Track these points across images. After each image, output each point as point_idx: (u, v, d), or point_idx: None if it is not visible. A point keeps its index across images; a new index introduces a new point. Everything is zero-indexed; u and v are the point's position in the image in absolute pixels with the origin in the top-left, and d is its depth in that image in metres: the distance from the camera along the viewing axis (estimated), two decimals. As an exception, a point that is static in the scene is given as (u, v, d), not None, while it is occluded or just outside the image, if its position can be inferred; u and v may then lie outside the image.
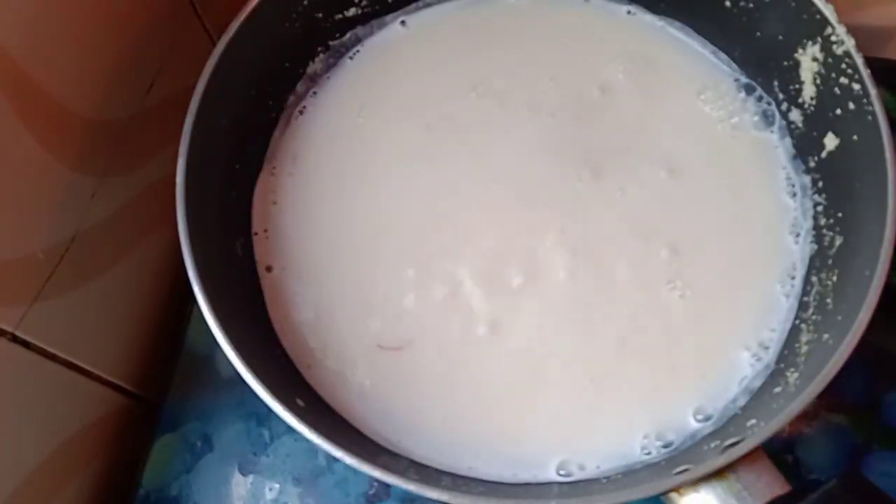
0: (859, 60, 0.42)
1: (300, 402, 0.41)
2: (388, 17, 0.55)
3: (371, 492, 0.48)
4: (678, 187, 0.48)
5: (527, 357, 0.45)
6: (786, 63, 0.48)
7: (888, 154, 0.40)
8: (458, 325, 0.45)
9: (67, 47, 0.43)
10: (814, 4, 0.44)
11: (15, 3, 0.38)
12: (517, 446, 0.43)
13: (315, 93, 0.53)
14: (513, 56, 0.53)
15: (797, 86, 0.47)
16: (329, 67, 0.54)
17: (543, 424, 0.43)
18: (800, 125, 0.48)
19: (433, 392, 0.44)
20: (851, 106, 0.43)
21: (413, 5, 0.55)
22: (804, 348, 0.42)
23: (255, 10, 0.47)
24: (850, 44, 0.43)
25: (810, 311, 0.43)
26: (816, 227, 0.46)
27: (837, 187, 0.45)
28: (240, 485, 0.49)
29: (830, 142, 0.45)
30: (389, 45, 0.55)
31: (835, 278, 0.43)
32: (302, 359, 0.46)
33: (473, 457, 0.42)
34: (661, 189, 0.48)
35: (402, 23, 0.55)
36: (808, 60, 0.46)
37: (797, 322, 0.44)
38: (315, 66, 0.54)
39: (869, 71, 0.42)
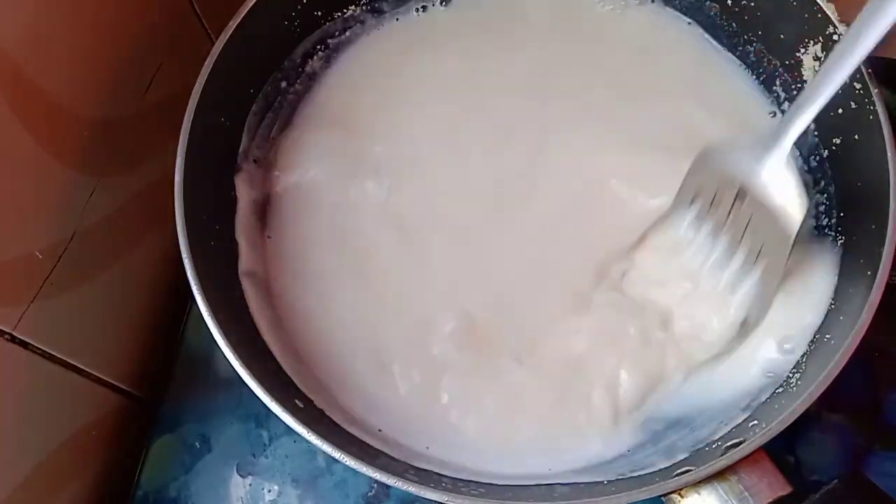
0: (861, 60, 0.42)
1: (299, 403, 0.41)
2: (387, 16, 0.55)
3: (370, 493, 0.48)
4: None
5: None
6: (788, 62, 0.48)
7: (890, 153, 0.40)
8: (461, 326, 0.45)
9: (66, 47, 0.43)
10: (815, 3, 0.44)
11: (14, 3, 0.38)
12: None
13: (314, 91, 0.53)
14: (521, 56, 0.53)
15: (799, 85, 0.47)
16: (329, 66, 0.54)
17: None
18: (801, 124, 0.48)
19: (436, 397, 0.44)
20: (853, 105, 0.43)
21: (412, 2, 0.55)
22: (805, 349, 0.42)
23: (254, 9, 0.47)
24: (851, 43, 0.43)
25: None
26: (818, 227, 0.46)
27: (839, 186, 0.45)
28: (238, 486, 0.48)
29: (832, 141, 0.45)
30: (389, 43, 0.54)
31: (836, 278, 0.43)
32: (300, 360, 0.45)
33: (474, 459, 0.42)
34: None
35: (398, 19, 0.55)
36: (810, 59, 0.46)
37: (799, 322, 0.44)
38: (314, 64, 0.54)
39: (870, 70, 0.42)
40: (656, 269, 0.45)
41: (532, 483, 0.41)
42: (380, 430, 0.43)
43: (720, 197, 0.42)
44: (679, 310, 0.44)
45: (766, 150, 0.39)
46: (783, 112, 0.49)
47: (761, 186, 0.40)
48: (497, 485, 0.41)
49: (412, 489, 0.36)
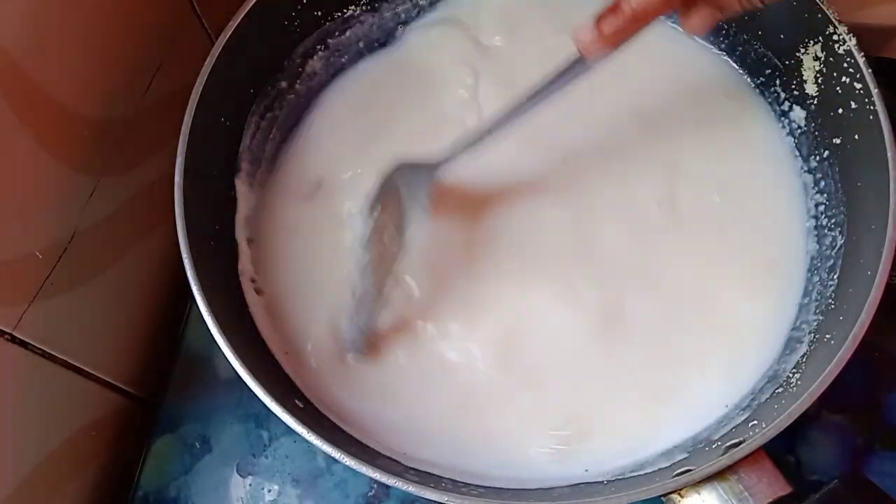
0: (861, 59, 0.42)
1: (299, 403, 0.41)
2: (388, 16, 0.55)
3: (370, 493, 0.48)
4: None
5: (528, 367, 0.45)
6: (788, 62, 0.48)
7: (890, 153, 0.40)
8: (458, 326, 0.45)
9: (67, 47, 0.43)
10: (815, 3, 0.44)
11: (15, 3, 0.38)
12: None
13: (315, 90, 0.53)
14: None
15: (799, 84, 0.47)
16: (329, 65, 0.54)
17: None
18: (801, 124, 0.48)
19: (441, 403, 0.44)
20: (853, 105, 0.43)
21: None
22: (805, 349, 0.42)
23: (254, 9, 0.47)
24: (851, 43, 0.43)
25: (811, 311, 0.43)
26: (818, 227, 0.46)
27: (839, 186, 0.45)
28: (238, 486, 0.48)
29: (832, 141, 0.45)
30: (390, 43, 0.54)
31: (836, 278, 0.43)
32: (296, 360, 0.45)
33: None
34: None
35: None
36: (810, 59, 0.46)
37: (799, 322, 0.44)
38: (314, 63, 0.53)
39: (870, 70, 0.42)
40: None
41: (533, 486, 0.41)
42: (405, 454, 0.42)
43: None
44: None
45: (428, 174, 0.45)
46: (782, 111, 0.49)
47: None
48: (496, 486, 0.41)
49: (412, 489, 0.36)
